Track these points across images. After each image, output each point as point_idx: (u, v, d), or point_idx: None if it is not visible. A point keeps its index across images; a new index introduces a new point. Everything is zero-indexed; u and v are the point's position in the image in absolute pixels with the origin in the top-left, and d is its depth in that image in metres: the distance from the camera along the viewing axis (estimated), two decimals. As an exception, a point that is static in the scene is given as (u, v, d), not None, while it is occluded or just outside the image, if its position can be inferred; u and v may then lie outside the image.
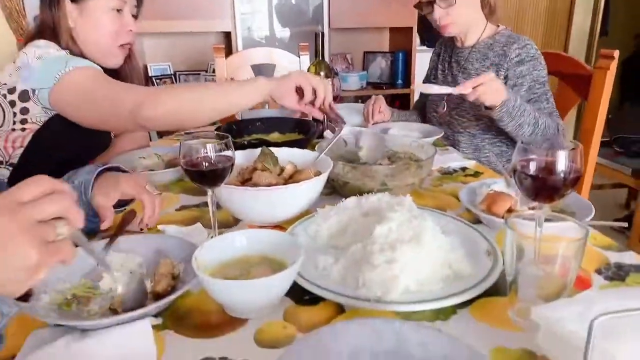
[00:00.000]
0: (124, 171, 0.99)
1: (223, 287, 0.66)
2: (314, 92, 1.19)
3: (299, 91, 1.20)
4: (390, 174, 1.06)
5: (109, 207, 0.88)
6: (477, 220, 0.99)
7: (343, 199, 0.93)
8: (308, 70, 1.67)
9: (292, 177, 1.00)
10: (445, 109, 1.72)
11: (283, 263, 0.75)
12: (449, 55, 1.76)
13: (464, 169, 1.36)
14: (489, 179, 1.15)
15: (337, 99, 1.63)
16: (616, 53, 1.53)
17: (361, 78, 3.61)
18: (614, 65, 1.55)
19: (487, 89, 1.30)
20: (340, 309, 0.72)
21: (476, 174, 1.31)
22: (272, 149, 1.09)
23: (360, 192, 1.08)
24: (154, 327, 0.67)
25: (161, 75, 3.28)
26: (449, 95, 1.70)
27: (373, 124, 1.69)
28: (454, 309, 0.70)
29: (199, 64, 3.39)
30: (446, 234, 0.84)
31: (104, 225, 0.87)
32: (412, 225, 0.79)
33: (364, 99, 3.81)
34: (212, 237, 0.86)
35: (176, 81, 3.30)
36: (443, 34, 1.63)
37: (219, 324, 0.69)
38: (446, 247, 0.79)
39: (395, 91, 3.63)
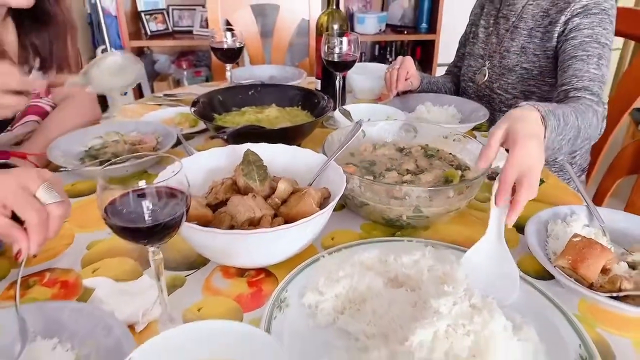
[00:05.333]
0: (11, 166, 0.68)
1: None
2: None
3: None
4: (428, 197, 0.74)
5: None
6: (546, 272, 0.69)
7: (358, 260, 0.62)
8: (319, 21, 1.29)
9: (286, 203, 0.69)
10: (485, 77, 1.37)
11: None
12: (497, 9, 1.37)
13: (516, 171, 1.03)
14: (562, 205, 0.81)
15: (353, 62, 1.25)
16: None
17: (380, 20, 3.12)
18: None
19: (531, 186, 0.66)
20: None
21: (534, 182, 0.99)
22: (262, 147, 0.78)
23: (382, 217, 0.78)
24: None
25: (152, 10, 2.84)
26: (491, 60, 1.34)
27: (396, 95, 1.34)
28: None
29: (194, -4, 2.93)
30: (517, 327, 0.54)
31: None
32: (473, 326, 0.49)
33: (381, 46, 3.39)
34: (159, 305, 0.57)
35: (169, 17, 2.86)
36: None
37: None
38: (523, 361, 0.50)
39: (418, 37, 3.14)
